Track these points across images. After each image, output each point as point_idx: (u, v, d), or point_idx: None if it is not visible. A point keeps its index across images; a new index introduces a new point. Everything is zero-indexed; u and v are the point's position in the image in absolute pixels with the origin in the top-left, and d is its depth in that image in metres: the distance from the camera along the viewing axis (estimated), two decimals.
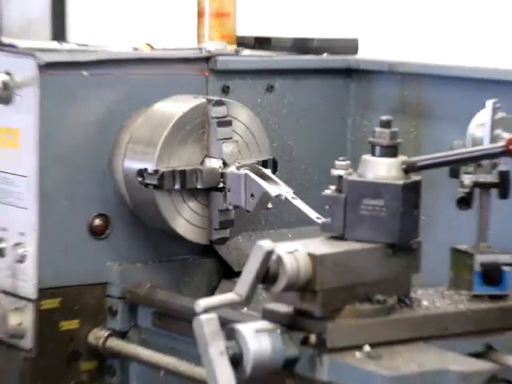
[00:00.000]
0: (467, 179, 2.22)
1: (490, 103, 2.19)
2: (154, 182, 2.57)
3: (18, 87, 2.52)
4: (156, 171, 2.56)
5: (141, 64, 2.70)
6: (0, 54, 2.72)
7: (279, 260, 1.94)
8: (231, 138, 2.60)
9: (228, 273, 2.57)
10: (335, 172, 2.17)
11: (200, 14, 3.01)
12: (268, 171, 2.51)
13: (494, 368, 2.05)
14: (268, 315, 2.06)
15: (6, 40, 2.87)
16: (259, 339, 1.98)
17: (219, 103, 2.57)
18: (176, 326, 2.38)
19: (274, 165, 2.53)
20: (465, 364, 2.04)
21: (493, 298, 2.28)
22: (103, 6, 3.91)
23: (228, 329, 2.00)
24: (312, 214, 2.36)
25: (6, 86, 2.46)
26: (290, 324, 2.07)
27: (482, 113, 2.27)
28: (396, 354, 2.05)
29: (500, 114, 2.22)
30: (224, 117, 2.57)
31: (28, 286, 2.61)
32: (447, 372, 1.99)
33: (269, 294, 2.04)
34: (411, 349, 2.10)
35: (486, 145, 2.21)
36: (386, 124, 2.13)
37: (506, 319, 2.26)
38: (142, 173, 2.55)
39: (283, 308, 2.06)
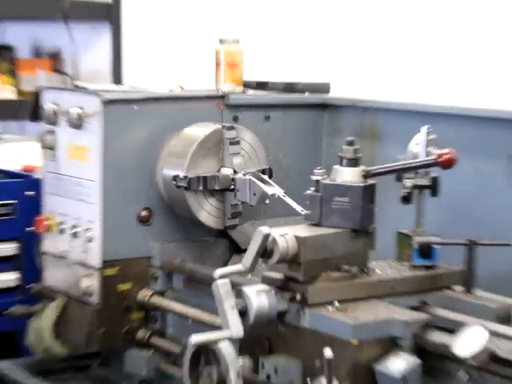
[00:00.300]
0: (408, 182, 2.40)
1: (424, 128, 2.36)
2: (184, 184, 2.62)
3: (88, 117, 2.55)
4: (185, 177, 2.61)
5: (174, 100, 2.81)
6: (75, 94, 2.78)
7: (274, 241, 2.10)
8: (239, 153, 2.64)
9: (237, 250, 2.68)
10: (314, 177, 2.29)
11: (217, 65, 3.08)
12: (265, 177, 2.57)
13: (427, 317, 2.16)
14: (265, 280, 2.21)
15: (80, 84, 2.89)
16: (259, 297, 2.13)
17: (231, 128, 2.68)
18: (200, 288, 2.42)
19: (269, 172, 2.59)
20: (407, 314, 2.15)
21: (426, 267, 2.33)
22: (149, 60, 3.88)
23: (237, 290, 2.13)
24: (297, 208, 2.37)
25: (79, 116, 2.55)
26: (281, 286, 2.19)
27: (418, 135, 2.37)
28: (357, 308, 2.17)
29: (431, 136, 2.31)
30: (234, 138, 2.65)
31: (95, 259, 2.70)
32: (394, 320, 2.09)
33: (266, 265, 2.18)
34: (368, 304, 2.20)
35: (422, 158, 2.26)
36: (350, 143, 2.29)
37: (435, 282, 2.36)
38: (175, 178, 2.63)
39: (276, 275, 2.20)
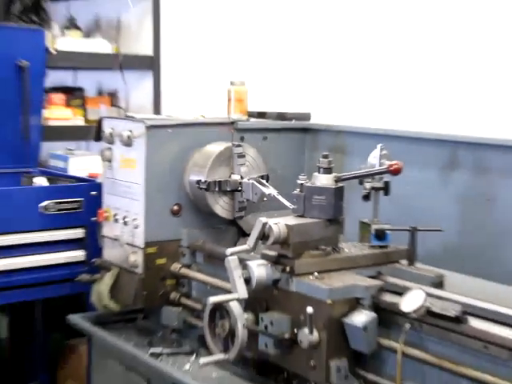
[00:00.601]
0: (367, 185, 2.39)
1: (379, 146, 2.34)
2: (204, 187, 2.60)
3: (135, 138, 2.54)
4: (205, 181, 2.59)
5: (197, 125, 2.79)
6: (127, 121, 2.75)
7: (270, 228, 2.09)
8: (244, 164, 2.61)
9: (243, 234, 2.72)
10: (299, 181, 2.27)
11: (229, 100, 3.06)
12: (264, 181, 2.53)
13: (381, 284, 2.15)
14: (264, 257, 2.17)
15: (130, 114, 2.86)
16: (259, 269, 2.11)
17: (238, 146, 2.69)
18: (216, 262, 2.44)
19: (267, 178, 2.58)
20: (366, 281, 2.14)
21: (381, 247, 2.34)
22: (180, 96, 3.83)
23: (243, 263, 2.11)
24: (287, 204, 2.32)
25: (129, 137, 2.55)
26: (275, 261, 2.16)
27: (374, 151, 2.35)
28: (331, 277, 2.14)
29: (384, 152, 2.35)
30: (241, 153, 2.64)
31: (139, 241, 2.67)
32: (357, 286, 2.09)
33: (264, 245, 2.15)
34: (339, 274, 2.18)
35: (377, 168, 2.20)
36: (325, 157, 2.26)
37: (387, 258, 2.34)
38: (198, 182, 2.61)
39: (272, 253, 2.17)
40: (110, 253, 2.81)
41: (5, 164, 3.48)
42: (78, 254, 3.20)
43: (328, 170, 2.24)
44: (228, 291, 2.15)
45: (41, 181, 3.43)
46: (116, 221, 2.76)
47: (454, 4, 2.69)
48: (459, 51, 2.68)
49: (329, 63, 3.13)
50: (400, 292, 2.01)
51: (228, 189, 2.64)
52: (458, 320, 1.84)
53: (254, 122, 2.96)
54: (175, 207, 2.69)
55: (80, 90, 4.42)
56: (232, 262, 2.08)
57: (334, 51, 3.11)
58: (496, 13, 2.57)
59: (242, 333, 2.06)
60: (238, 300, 2.08)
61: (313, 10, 3.19)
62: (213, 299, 2.11)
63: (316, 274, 2.10)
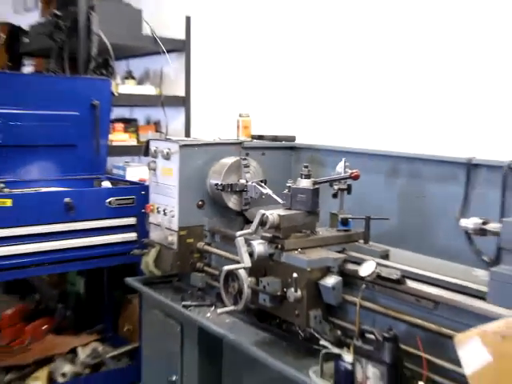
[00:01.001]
0: (336, 187, 2.35)
1: (343, 159, 2.32)
2: (220, 188, 2.56)
3: (172, 154, 2.58)
4: (221, 184, 2.52)
5: (215, 145, 2.72)
6: (166, 142, 2.69)
7: (267, 217, 2.06)
8: (249, 172, 2.56)
9: (247, 222, 2.64)
10: (287, 184, 2.22)
11: (238, 127, 3.04)
12: (262, 184, 2.46)
13: (345, 256, 2.10)
14: (263, 237, 2.12)
15: (168, 137, 2.86)
16: (259, 246, 2.08)
17: (244, 159, 2.67)
18: (229, 241, 2.39)
19: (265, 182, 2.50)
20: (335, 255, 2.09)
21: (345, 231, 2.30)
22: (202, 125, 3.80)
23: (248, 242, 2.08)
24: (279, 200, 2.27)
25: (167, 153, 2.53)
26: (270, 240, 2.10)
27: (340, 163, 2.31)
28: (310, 252, 2.10)
29: (347, 163, 2.31)
30: (246, 164, 2.57)
31: (175, 226, 2.61)
32: (328, 258, 2.06)
33: (262, 230, 2.09)
34: (315, 250, 2.13)
35: (342, 175, 2.14)
36: (306, 167, 2.23)
37: (349, 238, 2.27)
38: (216, 184, 2.55)
39: (268, 235, 2.11)
40: (154, 234, 2.76)
41: (83, 172, 3.47)
42: (132, 235, 3.17)
43: (308, 176, 2.20)
44: (237, 262, 2.11)
45: (107, 184, 3.41)
46: (158, 212, 2.71)
47: (398, 42, 2.68)
48: (401, 94, 2.64)
49: (309, 103, 3.09)
50: (358, 262, 1.97)
51: (237, 189, 2.60)
52: (399, 282, 1.83)
53: (256, 142, 2.91)
54: (200, 202, 2.64)
55: (134, 120, 4.39)
56: (240, 241, 2.08)
57: (312, 97, 3.08)
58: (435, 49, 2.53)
59: (247, 291, 2.05)
60: (244, 268, 2.06)
61: (297, 65, 3.16)
62: (226, 267, 2.09)
63: (299, 249, 2.07)
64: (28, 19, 5.46)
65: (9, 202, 2.75)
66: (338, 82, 2.92)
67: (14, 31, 4.73)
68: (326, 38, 3.01)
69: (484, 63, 2.29)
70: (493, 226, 1.68)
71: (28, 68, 5.53)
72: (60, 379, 3.17)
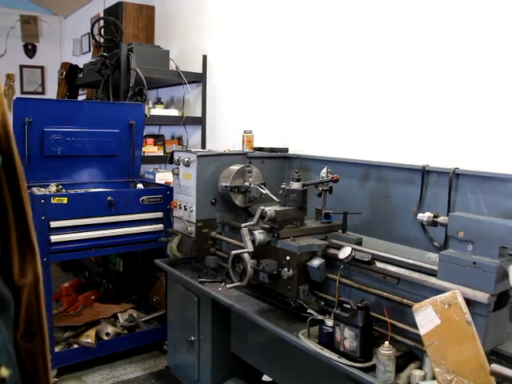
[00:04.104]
0: (320, 188, 2.30)
1: (326, 167, 2.25)
2: (229, 189, 2.52)
3: (191, 162, 2.55)
4: (230, 186, 2.49)
5: (226, 155, 2.68)
6: (187, 153, 2.63)
7: (265, 211, 2.04)
8: (251, 176, 2.52)
9: (250, 215, 2.56)
10: (282, 186, 2.21)
11: (242, 141, 3.01)
12: (263, 186, 2.43)
13: (328, 243, 2.08)
14: (262, 228, 2.08)
15: (189, 149, 2.85)
16: (260, 235, 2.08)
17: (248, 166, 2.62)
18: (236, 231, 2.34)
19: (264, 184, 2.46)
20: (320, 242, 2.08)
21: (327, 223, 2.27)
22: (215, 140, 3.79)
23: (251, 232, 2.07)
24: (275, 199, 2.25)
25: (187, 162, 2.56)
26: (268, 230, 2.08)
27: (324, 169, 2.29)
28: (300, 239, 2.11)
29: (329, 170, 2.27)
30: (250, 170, 2.53)
31: (193, 219, 2.58)
32: (314, 244, 2.05)
33: (262, 222, 2.07)
34: (304, 238, 2.15)
35: (325, 179, 2.14)
36: (296, 172, 2.21)
37: (331, 229, 2.23)
38: (225, 186, 2.53)
39: (266, 226, 2.08)
40: (177, 225, 2.72)
41: (122, 176, 3.44)
42: (159, 226, 3.12)
43: (298, 180, 2.17)
44: (242, 247, 2.10)
45: (140, 186, 3.38)
46: (180, 208, 2.68)
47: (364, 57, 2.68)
48: (373, 116, 2.62)
49: (299, 123, 3.06)
50: (338, 247, 1.96)
51: (242, 190, 2.55)
52: (369, 263, 1.81)
53: (257, 153, 2.85)
54: (213, 200, 2.60)
55: (162, 136, 4.35)
56: (244, 231, 2.06)
57: (302, 119, 3.03)
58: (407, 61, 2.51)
59: (250, 271, 2.01)
60: (248, 252, 2.03)
61: (290, 94, 3.15)
62: (234, 252, 2.06)
63: (291, 237, 2.05)
64: (83, 59, 5.68)
65: (65, 200, 2.78)
66: (322, 107, 2.89)
67: (72, 68, 4.85)
68: (308, 72, 2.99)
69: (434, 93, 2.27)
70: (442, 218, 1.68)
71: (82, 96, 5.67)
72: (105, 337, 3.18)
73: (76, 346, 3.06)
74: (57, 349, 3.00)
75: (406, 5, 2.39)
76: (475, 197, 1.97)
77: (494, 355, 1.66)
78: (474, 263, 1.47)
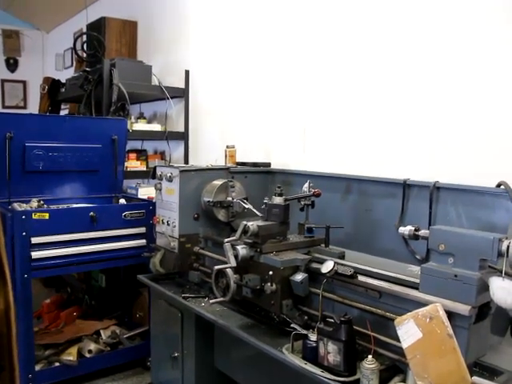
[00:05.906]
0: (302, 202, 2.28)
1: (308, 181, 2.24)
2: (212, 204, 2.50)
3: (174, 177, 2.49)
4: (212, 201, 2.47)
5: (208, 170, 2.68)
6: (170, 168, 2.62)
7: (248, 227, 2.03)
8: (234, 191, 2.51)
9: (233, 230, 2.52)
10: (264, 201, 2.19)
11: (225, 156, 3.00)
12: (245, 201, 2.42)
13: (311, 257, 2.06)
14: (245, 243, 2.06)
15: (171, 164, 2.80)
16: (243, 250, 2.05)
17: (231, 181, 2.60)
18: (219, 246, 2.27)
19: (246, 199, 2.45)
20: (302, 256, 2.06)
21: (310, 237, 2.24)
22: (197, 155, 3.78)
23: (233, 247, 2.04)
24: (258, 213, 2.24)
25: (170, 177, 2.51)
26: (251, 245, 2.05)
27: (306, 184, 2.26)
28: (282, 254, 2.08)
29: (311, 184, 2.27)
30: (232, 185, 2.53)
31: (176, 234, 2.55)
32: (297, 258, 2.03)
33: (245, 237, 2.05)
34: (287, 252, 2.12)
35: (307, 193, 2.13)
36: (279, 187, 2.21)
37: (314, 243, 2.21)
38: (208, 201, 2.50)
39: (249, 240, 2.06)
40: (160, 241, 2.69)
41: (104, 192, 3.40)
42: (142, 241, 3.09)
43: (280, 195, 2.17)
44: (225, 262, 2.04)
45: (123, 201, 3.33)
46: (163, 223, 2.64)
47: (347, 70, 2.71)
48: (354, 131, 2.64)
49: (280, 138, 3.06)
50: (320, 262, 1.93)
51: (225, 205, 2.54)
52: (352, 277, 1.79)
53: (239, 167, 2.84)
54: (196, 215, 2.57)
55: (144, 151, 4.31)
56: (227, 246, 2.03)
57: (283, 134, 3.04)
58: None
59: (233, 286, 1.98)
60: (231, 267, 2.00)
61: (271, 111, 3.16)
62: (217, 267, 2.03)
63: (274, 252, 2.03)
64: (65, 74, 5.65)
65: (47, 216, 2.74)
66: (304, 121, 2.90)
67: (55, 83, 4.84)
68: (290, 87, 3.01)
69: (414, 109, 2.30)
70: (423, 232, 1.68)
71: (64, 111, 5.61)
72: (87, 355, 3.12)
73: (57, 363, 2.99)
74: (37, 367, 2.92)
75: (386, 22, 2.43)
76: (456, 209, 1.98)
77: (476, 367, 1.66)
78: (456, 276, 1.47)
